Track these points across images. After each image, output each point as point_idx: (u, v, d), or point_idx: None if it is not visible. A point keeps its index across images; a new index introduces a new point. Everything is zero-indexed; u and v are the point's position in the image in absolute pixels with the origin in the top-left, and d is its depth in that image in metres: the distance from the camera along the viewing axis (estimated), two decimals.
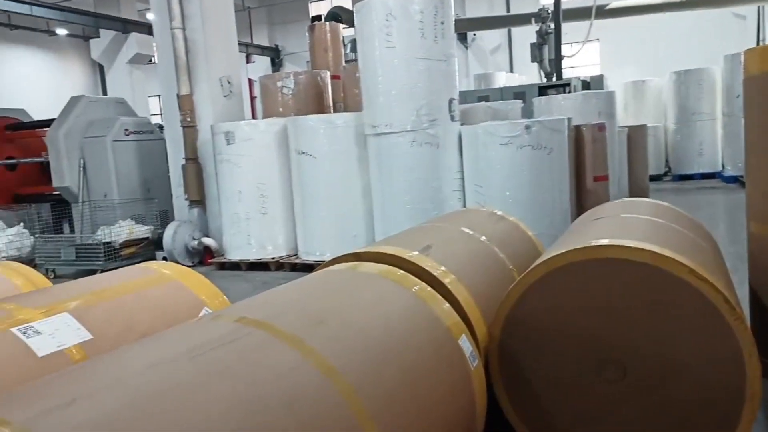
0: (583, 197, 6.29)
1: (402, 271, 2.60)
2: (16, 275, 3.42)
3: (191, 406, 1.45)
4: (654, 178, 12.91)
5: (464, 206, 6.39)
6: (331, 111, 8.84)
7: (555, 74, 12.19)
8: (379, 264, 2.68)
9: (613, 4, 14.60)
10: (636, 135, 10.19)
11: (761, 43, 14.32)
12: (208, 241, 8.48)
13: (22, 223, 10.00)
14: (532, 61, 13.81)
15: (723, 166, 13.47)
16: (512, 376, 2.59)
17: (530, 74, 17.16)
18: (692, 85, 13.65)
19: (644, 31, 18.09)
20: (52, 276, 8.83)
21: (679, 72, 13.86)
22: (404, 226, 4.72)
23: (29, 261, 8.75)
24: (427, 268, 2.80)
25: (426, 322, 2.32)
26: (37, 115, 11.54)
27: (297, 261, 7.61)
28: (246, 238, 7.90)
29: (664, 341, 2.34)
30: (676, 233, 2.89)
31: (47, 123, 10.11)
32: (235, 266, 8.00)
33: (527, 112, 9.71)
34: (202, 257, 8.48)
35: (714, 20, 16.72)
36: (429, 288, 2.55)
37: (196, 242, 8.44)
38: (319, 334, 1.93)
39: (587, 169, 6.35)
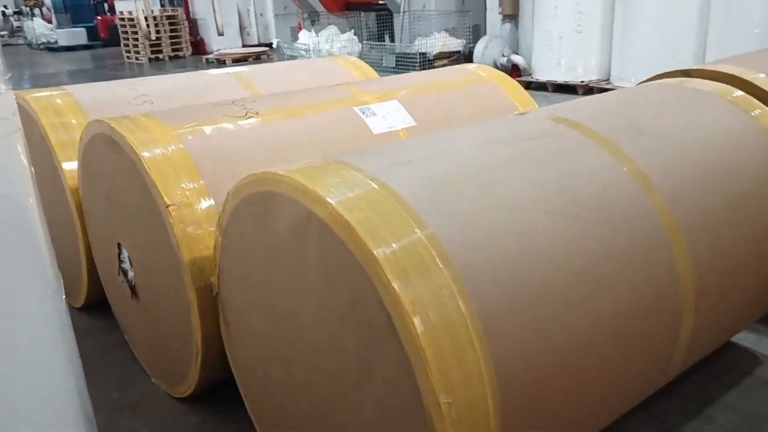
0: None
1: (741, 92, 2.29)
2: (354, 67, 3.88)
3: (509, 180, 1.57)
4: None
5: None
6: None
7: None
8: (711, 82, 2.39)
9: None
10: None
11: None
12: (517, 58, 8.41)
13: (352, 30, 11.10)
14: None
15: None
16: None
17: None
18: None
19: None
20: None
21: None
22: None
23: None
24: None
25: (763, 151, 2.05)
26: None
27: (608, 86, 7.18)
28: (556, 57, 7.64)
29: None
30: None
31: None
32: (542, 87, 7.89)
33: None
34: (509, 75, 8.50)
35: None
36: None
37: (505, 59, 8.45)
38: (635, 142, 1.86)
39: None
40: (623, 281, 1.58)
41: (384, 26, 11.23)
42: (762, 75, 2.52)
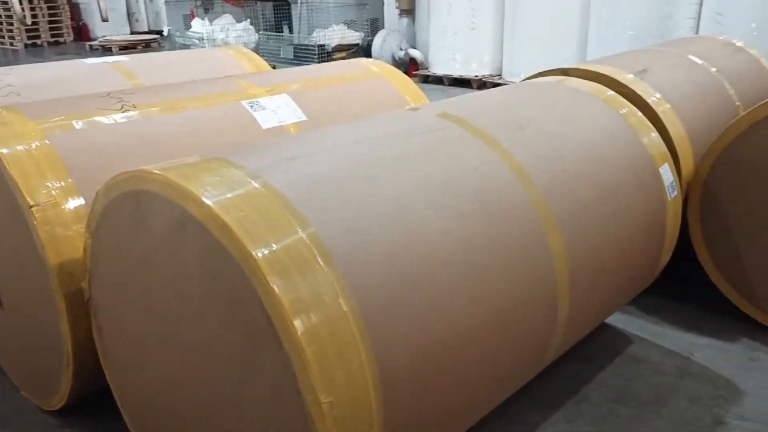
0: None
1: (612, 92, 2.44)
2: (245, 59, 3.78)
3: (392, 175, 1.57)
4: None
5: None
6: None
7: None
8: (587, 81, 2.53)
9: None
10: None
11: None
12: (414, 52, 8.54)
13: (248, 20, 10.82)
14: None
15: None
16: (710, 216, 2.44)
17: None
18: None
19: None
20: None
21: None
22: None
23: None
24: (639, 93, 2.59)
25: (628, 145, 2.19)
26: None
27: (500, 81, 7.44)
28: (451, 53, 7.82)
29: None
30: None
31: None
32: (438, 80, 8.05)
33: None
34: (407, 68, 8.62)
35: None
36: (639, 113, 2.37)
37: (402, 53, 8.55)
38: (515, 138, 1.93)
39: None
40: (502, 272, 1.64)
41: (282, 16, 11.03)
42: (630, 75, 2.70)
